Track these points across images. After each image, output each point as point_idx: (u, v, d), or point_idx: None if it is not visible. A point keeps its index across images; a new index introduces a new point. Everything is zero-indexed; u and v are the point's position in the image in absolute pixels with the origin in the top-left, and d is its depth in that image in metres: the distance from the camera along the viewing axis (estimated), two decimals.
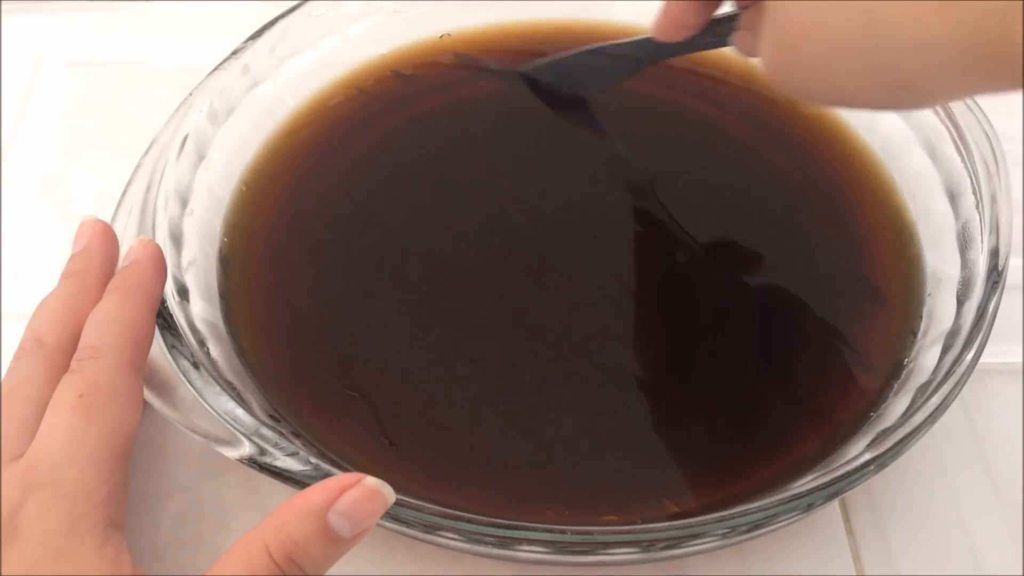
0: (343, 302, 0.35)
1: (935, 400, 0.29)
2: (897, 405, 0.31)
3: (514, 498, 0.31)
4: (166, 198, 0.35)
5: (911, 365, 0.33)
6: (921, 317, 0.34)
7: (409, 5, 0.43)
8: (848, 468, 0.28)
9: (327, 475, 0.28)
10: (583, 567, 0.31)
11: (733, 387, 0.34)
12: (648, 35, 0.34)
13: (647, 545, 0.27)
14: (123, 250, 0.33)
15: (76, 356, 0.28)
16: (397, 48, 0.44)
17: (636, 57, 0.39)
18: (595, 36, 0.41)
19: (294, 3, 0.41)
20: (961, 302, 0.32)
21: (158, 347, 0.30)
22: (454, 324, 0.35)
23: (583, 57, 0.40)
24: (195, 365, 0.30)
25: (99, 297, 0.30)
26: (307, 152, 0.40)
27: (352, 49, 0.43)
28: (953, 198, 0.35)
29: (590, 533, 0.27)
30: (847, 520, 0.33)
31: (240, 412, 0.29)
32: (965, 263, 0.33)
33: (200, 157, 0.37)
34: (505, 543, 0.27)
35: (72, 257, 0.32)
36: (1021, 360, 0.36)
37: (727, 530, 0.27)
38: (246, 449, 0.28)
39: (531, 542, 0.27)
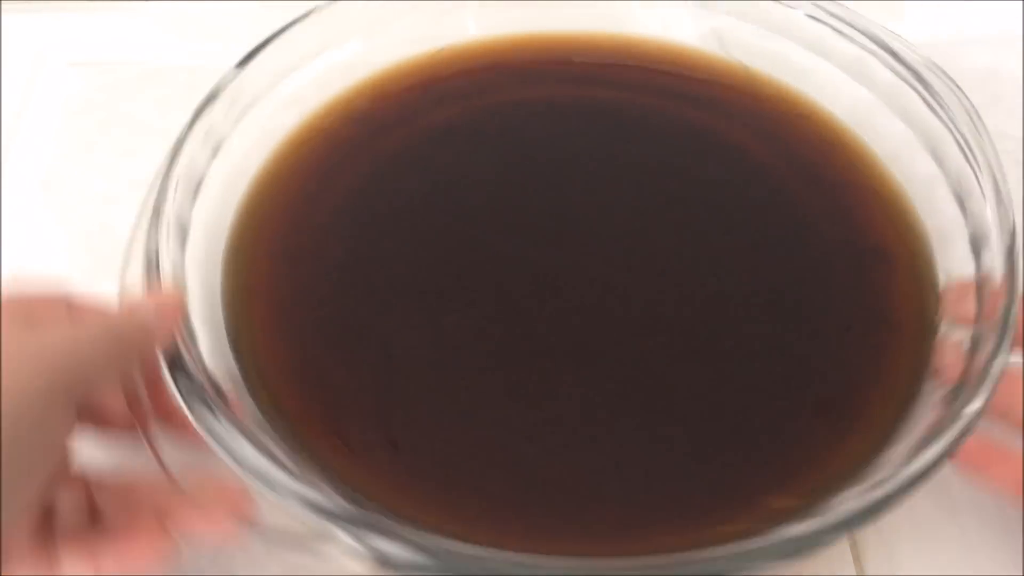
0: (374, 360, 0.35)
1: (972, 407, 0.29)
2: (924, 416, 0.31)
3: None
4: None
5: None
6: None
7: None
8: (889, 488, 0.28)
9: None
10: None
11: (754, 407, 0.33)
12: None
13: None
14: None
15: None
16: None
17: None
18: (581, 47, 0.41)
19: (293, 3, 0.41)
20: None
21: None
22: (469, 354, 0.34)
23: None
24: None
25: None
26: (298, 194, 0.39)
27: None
28: (962, 202, 0.35)
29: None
30: None
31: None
32: (980, 265, 0.33)
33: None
34: None
35: None
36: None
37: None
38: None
39: None
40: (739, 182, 0.39)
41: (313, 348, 0.35)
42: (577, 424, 0.33)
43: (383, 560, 0.26)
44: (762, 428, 0.33)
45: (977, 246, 0.34)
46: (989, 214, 0.33)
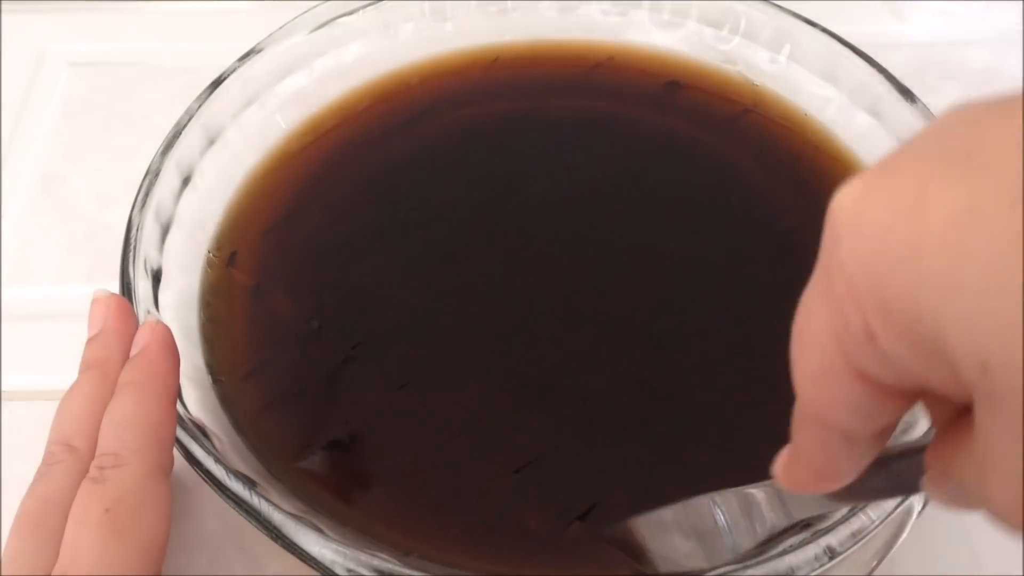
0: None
1: None
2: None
3: None
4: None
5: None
6: None
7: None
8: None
9: None
10: None
11: (750, 411, 0.33)
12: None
13: None
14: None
15: (97, 463, 0.26)
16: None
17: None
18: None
19: (294, 3, 0.41)
20: None
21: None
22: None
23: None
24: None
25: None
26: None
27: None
28: None
29: None
30: None
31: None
32: None
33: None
34: None
35: (89, 343, 0.30)
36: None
37: None
38: None
39: None
40: (729, 190, 0.39)
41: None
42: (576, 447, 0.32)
43: None
44: (760, 429, 0.33)
45: None
46: None
